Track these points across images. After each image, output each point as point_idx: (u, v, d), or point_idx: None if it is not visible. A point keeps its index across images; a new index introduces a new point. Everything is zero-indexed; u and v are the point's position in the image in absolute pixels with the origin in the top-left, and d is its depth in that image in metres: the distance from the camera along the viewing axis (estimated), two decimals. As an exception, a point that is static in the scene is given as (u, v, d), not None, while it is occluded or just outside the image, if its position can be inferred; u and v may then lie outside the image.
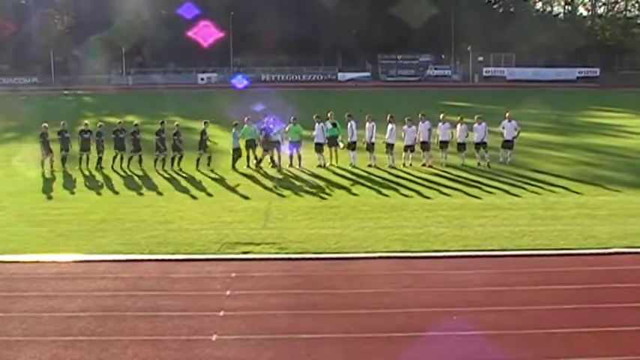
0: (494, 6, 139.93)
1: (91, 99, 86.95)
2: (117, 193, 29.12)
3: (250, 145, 34.10)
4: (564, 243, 21.08)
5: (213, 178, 31.82)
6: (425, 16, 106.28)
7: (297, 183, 30.70)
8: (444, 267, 19.29)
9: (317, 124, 34.20)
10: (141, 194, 28.76)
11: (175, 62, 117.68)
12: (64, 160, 34.31)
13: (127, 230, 22.82)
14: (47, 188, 30.02)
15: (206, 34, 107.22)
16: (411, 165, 33.77)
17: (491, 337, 14.44)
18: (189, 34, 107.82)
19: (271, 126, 34.23)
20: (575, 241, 21.24)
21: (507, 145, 34.90)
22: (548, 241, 21.21)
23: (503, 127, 34.92)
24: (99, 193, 28.97)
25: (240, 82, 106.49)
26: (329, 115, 35.01)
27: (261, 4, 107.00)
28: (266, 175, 32.36)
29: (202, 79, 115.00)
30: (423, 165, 33.81)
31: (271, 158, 34.29)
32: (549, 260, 19.71)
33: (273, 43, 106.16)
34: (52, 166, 33.99)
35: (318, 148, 34.20)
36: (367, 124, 34.15)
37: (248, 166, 33.79)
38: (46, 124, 34.88)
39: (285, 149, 34.29)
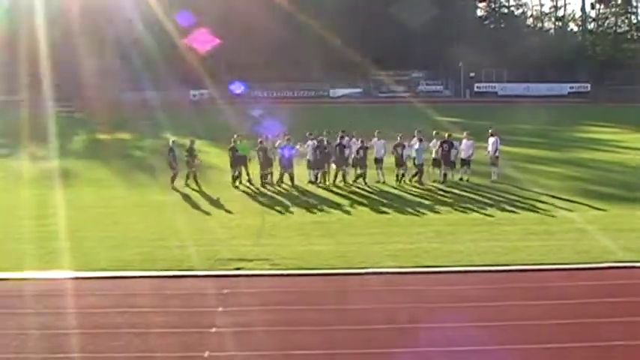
0: (486, 22, 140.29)
1: (84, 115, 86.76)
2: (108, 209, 28.98)
3: (241, 162, 33.92)
4: (557, 258, 21.11)
5: (205, 195, 31.72)
6: (416, 33, 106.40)
7: (290, 200, 30.67)
8: (436, 282, 19.28)
9: (310, 142, 34.01)
10: (132, 210, 28.65)
11: (167, 78, 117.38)
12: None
13: (118, 247, 22.75)
14: (36, 205, 29.86)
15: (202, 40, 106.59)
16: (404, 181, 33.71)
17: (485, 353, 14.42)
18: (186, 41, 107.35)
19: (284, 144, 33.99)
20: (567, 256, 21.27)
21: (491, 161, 34.77)
22: (540, 256, 21.24)
23: (489, 144, 34.80)
24: (89, 210, 28.84)
25: (237, 87, 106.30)
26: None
27: (252, 21, 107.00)
28: (258, 192, 32.29)
29: (194, 95, 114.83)
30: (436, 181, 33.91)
31: (265, 175, 34.05)
32: (542, 275, 19.73)
33: (265, 59, 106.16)
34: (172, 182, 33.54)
35: (310, 164, 33.99)
36: (376, 140, 34.36)
37: (241, 182, 33.67)
38: (174, 139, 34.73)
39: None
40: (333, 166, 34.17)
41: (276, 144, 34.19)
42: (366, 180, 33.73)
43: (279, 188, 32.83)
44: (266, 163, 33.76)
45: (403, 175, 34.01)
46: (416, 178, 34.00)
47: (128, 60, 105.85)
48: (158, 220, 26.68)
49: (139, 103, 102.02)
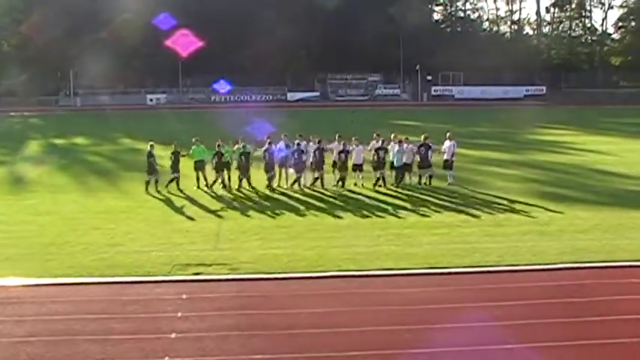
0: (442, 25, 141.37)
1: (39, 120, 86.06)
2: (65, 215, 28.68)
3: (199, 166, 33.76)
4: (514, 259, 21.31)
5: (163, 200, 31.56)
6: (373, 36, 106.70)
7: (248, 203, 30.61)
8: (395, 285, 19.35)
9: (267, 145, 33.85)
10: (90, 216, 28.37)
11: (124, 83, 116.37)
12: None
13: (76, 253, 22.54)
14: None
15: (185, 43, 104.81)
16: (363, 185, 33.79)
17: (444, 355, 14.51)
18: (167, 43, 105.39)
19: (273, 146, 33.80)
20: (524, 258, 21.49)
21: (446, 164, 34.92)
22: (498, 258, 21.43)
23: (445, 147, 34.83)
24: (47, 216, 28.53)
25: (222, 86, 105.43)
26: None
27: (208, 25, 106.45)
28: (216, 196, 32.17)
29: (151, 99, 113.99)
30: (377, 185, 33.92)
31: (269, 180, 33.72)
32: (500, 277, 19.91)
33: (223, 63, 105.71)
34: (156, 187, 33.29)
35: (269, 168, 33.85)
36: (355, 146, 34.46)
37: (198, 187, 33.50)
38: (152, 143, 34.21)
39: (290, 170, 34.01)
40: (291, 170, 34.05)
41: (264, 146, 33.94)
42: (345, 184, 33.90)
43: (237, 193, 32.69)
44: (245, 167, 33.60)
45: (382, 179, 34.00)
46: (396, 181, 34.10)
47: (83, 65, 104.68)
48: (117, 226, 26.47)
49: (95, 107, 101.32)
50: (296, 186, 33.45)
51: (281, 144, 34.12)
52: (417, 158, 34.27)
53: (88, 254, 22.34)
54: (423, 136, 35.20)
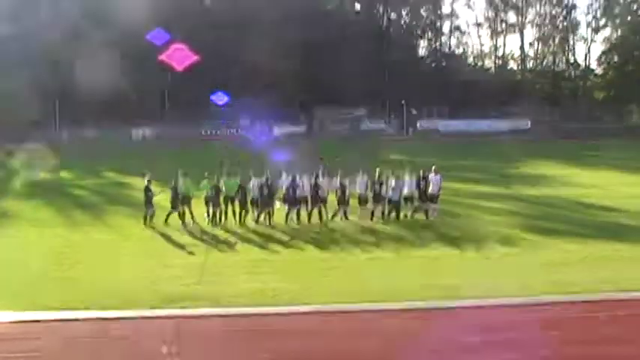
0: (427, 60, 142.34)
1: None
2: (50, 249, 28.53)
3: (185, 201, 33.68)
4: (500, 293, 21.28)
5: (148, 234, 31.48)
6: (359, 71, 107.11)
7: (235, 237, 30.56)
8: (383, 318, 19.30)
9: (253, 179, 33.87)
10: (75, 250, 28.23)
11: (109, 117, 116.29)
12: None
13: (60, 287, 22.40)
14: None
15: (180, 57, 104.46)
16: (347, 219, 33.82)
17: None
18: (162, 57, 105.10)
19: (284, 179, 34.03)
20: (510, 291, 21.46)
21: (432, 198, 34.88)
22: (483, 292, 21.37)
23: (429, 181, 34.78)
24: (30, 250, 28.38)
25: (220, 98, 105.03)
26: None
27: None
28: (202, 230, 32.10)
29: (136, 133, 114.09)
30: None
31: (269, 213, 33.65)
32: (484, 311, 19.88)
33: (208, 97, 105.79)
34: (150, 221, 33.21)
35: (254, 202, 33.81)
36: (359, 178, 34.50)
37: (183, 222, 33.39)
38: (149, 178, 34.06)
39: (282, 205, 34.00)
40: (278, 204, 34.06)
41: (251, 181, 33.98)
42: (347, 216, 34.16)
43: (224, 227, 32.66)
44: (243, 202, 33.72)
45: (383, 213, 34.18)
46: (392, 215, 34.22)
47: (69, 98, 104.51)
48: (102, 260, 26.36)
49: (81, 141, 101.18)
50: (278, 220, 33.49)
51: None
52: (416, 194, 34.41)
53: (73, 289, 22.21)
54: (421, 170, 35.16)
